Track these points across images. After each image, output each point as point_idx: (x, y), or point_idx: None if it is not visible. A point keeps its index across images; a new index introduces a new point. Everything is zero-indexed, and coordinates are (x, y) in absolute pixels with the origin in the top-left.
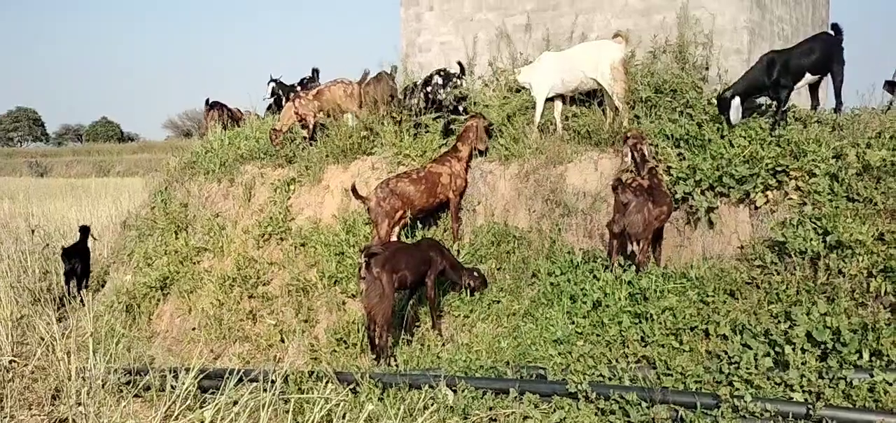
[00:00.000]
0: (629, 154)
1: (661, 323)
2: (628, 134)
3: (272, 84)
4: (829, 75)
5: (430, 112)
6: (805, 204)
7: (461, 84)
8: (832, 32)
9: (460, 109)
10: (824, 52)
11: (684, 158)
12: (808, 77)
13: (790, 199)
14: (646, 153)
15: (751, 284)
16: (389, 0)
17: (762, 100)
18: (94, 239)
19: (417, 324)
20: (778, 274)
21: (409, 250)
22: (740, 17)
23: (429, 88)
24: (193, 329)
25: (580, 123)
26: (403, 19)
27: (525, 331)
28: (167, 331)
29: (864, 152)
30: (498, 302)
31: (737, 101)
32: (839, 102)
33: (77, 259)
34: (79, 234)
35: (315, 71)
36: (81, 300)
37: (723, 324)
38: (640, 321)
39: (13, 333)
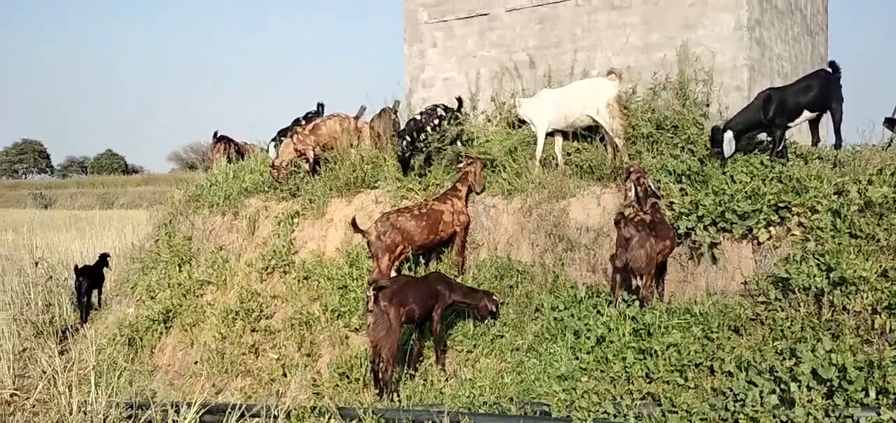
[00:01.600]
0: (632, 188)
1: (665, 359)
2: (631, 169)
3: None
4: (828, 112)
5: (433, 146)
6: (808, 240)
7: (461, 117)
8: (830, 70)
9: (459, 144)
10: (822, 90)
11: (686, 194)
12: (806, 114)
13: (793, 235)
14: (649, 187)
15: (755, 320)
16: (395, 37)
17: (762, 135)
18: (109, 269)
19: (421, 358)
20: (782, 310)
21: (416, 284)
22: (740, 55)
23: (435, 122)
24: (195, 363)
25: (582, 158)
26: (407, 56)
27: (529, 366)
28: (169, 365)
29: (865, 189)
30: (501, 337)
31: (729, 134)
32: (839, 139)
33: (88, 278)
34: (97, 258)
35: (320, 105)
36: (85, 321)
37: (728, 361)
38: (645, 358)
39: (15, 366)
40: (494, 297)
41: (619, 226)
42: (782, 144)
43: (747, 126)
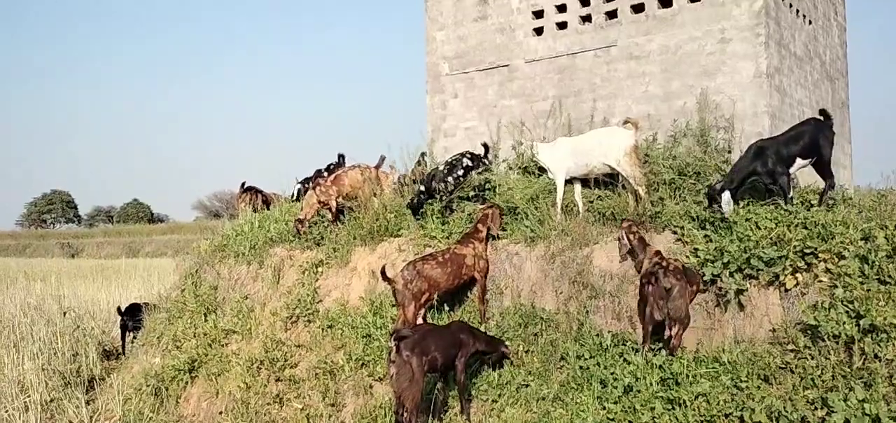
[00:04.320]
0: (624, 237)
1: (694, 410)
2: (624, 220)
3: (298, 186)
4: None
5: (457, 195)
6: (836, 287)
7: (488, 163)
8: (821, 118)
9: (483, 191)
10: (812, 137)
11: (711, 241)
12: (799, 162)
13: (820, 281)
14: (643, 238)
15: (784, 368)
16: (417, 87)
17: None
18: (146, 314)
19: (446, 408)
20: (812, 358)
21: (439, 333)
22: (760, 102)
23: (460, 173)
24: (220, 413)
25: (604, 204)
26: (429, 106)
27: (555, 417)
28: (194, 415)
29: (893, 234)
30: (527, 386)
31: (726, 195)
32: (829, 177)
33: (130, 318)
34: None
35: (341, 157)
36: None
37: (758, 411)
38: (673, 408)
39: (42, 416)
40: (507, 345)
41: (656, 277)
42: (791, 190)
43: (742, 180)
